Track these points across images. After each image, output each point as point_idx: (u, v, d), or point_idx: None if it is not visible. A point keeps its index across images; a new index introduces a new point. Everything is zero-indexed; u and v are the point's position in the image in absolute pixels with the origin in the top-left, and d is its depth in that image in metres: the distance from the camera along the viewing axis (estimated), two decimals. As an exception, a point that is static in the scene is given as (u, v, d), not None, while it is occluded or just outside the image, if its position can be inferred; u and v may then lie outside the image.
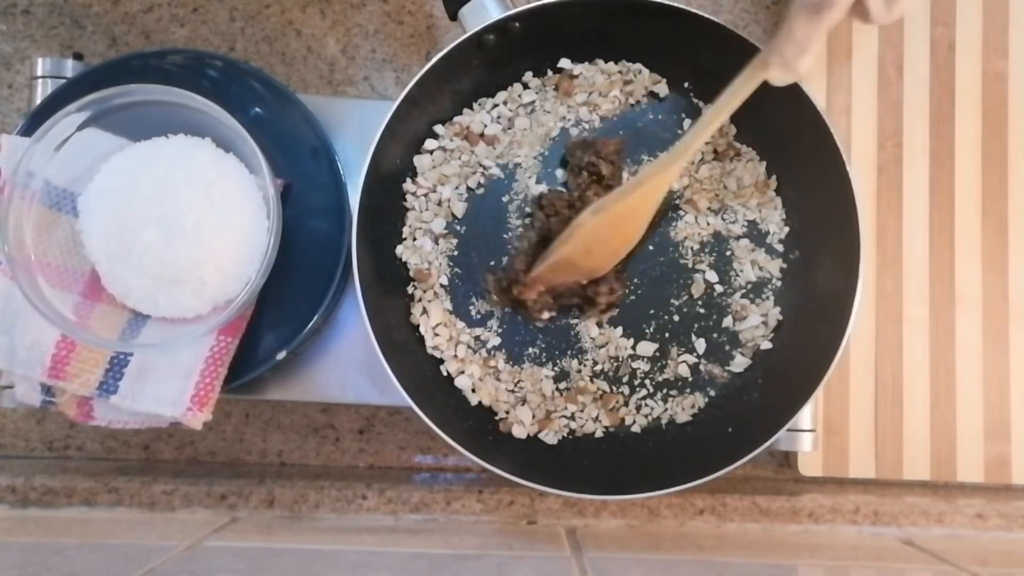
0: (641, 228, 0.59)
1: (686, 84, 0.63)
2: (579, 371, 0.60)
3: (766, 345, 0.61)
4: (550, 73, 0.62)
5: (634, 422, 0.60)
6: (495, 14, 0.57)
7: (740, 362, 0.61)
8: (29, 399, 0.56)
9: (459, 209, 0.61)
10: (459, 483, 0.61)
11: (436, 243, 0.61)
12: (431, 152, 0.61)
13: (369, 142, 0.56)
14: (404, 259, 0.60)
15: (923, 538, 0.59)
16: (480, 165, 0.61)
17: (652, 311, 0.61)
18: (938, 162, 0.66)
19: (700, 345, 0.60)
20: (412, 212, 0.61)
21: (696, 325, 0.61)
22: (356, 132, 0.61)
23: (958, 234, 0.66)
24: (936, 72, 0.67)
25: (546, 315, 0.60)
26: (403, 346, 0.59)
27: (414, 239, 0.61)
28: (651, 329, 0.61)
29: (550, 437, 0.59)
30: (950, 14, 0.67)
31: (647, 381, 0.61)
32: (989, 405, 0.64)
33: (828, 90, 0.66)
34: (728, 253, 0.62)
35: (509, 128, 0.62)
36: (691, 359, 0.60)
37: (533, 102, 0.62)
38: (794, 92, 0.56)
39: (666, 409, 0.60)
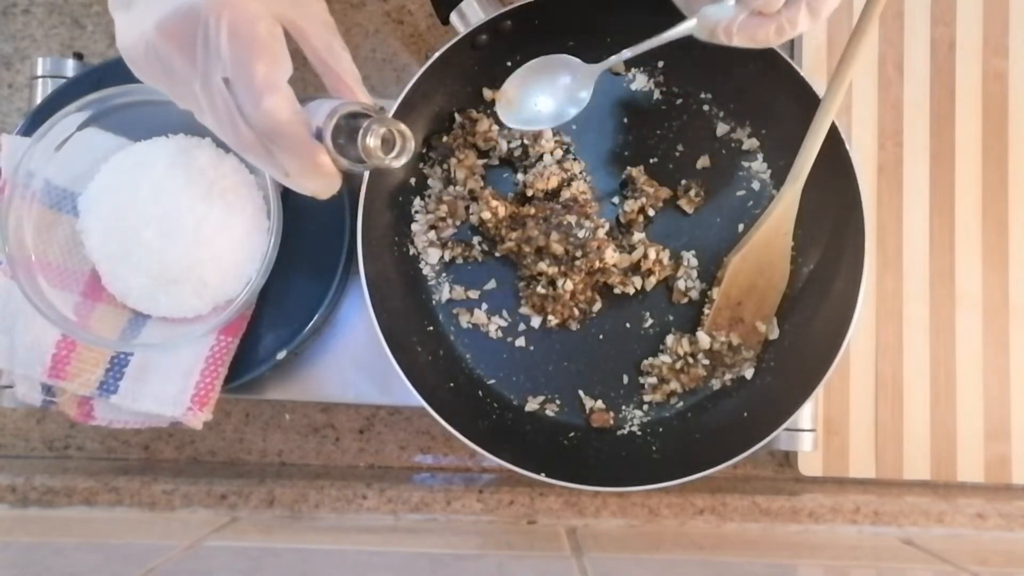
0: (782, 265, 0.60)
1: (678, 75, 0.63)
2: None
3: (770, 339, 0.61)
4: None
5: (635, 418, 0.61)
6: (485, 14, 0.57)
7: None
8: (29, 399, 0.56)
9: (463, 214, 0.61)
10: (459, 483, 0.61)
11: (445, 246, 0.61)
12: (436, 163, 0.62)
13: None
14: (413, 255, 0.60)
15: (923, 538, 0.59)
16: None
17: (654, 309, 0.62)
18: (938, 162, 0.66)
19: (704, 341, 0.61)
20: (419, 214, 0.61)
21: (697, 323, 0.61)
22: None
23: (958, 234, 0.66)
24: (936, 72, 0.67)
25: (574, 326, 0.61)
26: (409, 343, 0.59)
27: (424, 241, 0.61)
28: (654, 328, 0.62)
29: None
30: (950, 14, 0.67)
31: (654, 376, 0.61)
32: (989, 405, 0.64)
33: (828, 90, 0.66)
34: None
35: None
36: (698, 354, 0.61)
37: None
38: (803, 90, 0.57)
39: (671, 405, 0.61)
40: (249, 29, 0.39)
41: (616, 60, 0.52)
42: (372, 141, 0.42)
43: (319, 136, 0.42)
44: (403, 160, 0.44)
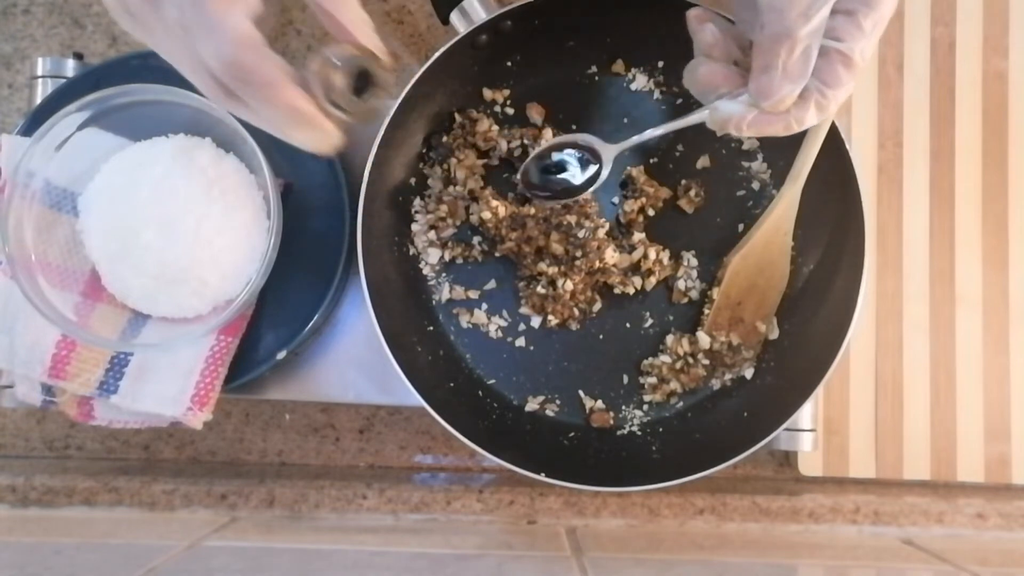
0: (782, 265, 0.60)
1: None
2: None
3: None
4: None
5: (635, 418, 0.61)
6: (485, 14, 0.57)
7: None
8: (30, 399, 0.56)
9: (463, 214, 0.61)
10: (459, 483, 0.61)
11: (445, 246, 0.61)
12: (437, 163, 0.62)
13: (370, 142, 0.56)
14: (413, 254, 0.60)
15: (923, 538, 0.59)
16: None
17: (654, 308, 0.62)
18: (938, 162, 0.66)
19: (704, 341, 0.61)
20: (419, 214, 0.61)
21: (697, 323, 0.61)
22: (357, 131, 0.61)
23: (958, 234, 0.66)
24: (936, 72, 0.67)
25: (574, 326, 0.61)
26: (409, 343, 0.59)
27: (424, 241, 0.61)
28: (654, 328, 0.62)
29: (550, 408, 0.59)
30: (950, 14, 0.67)
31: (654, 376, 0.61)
32: (989, 405, 0.64)
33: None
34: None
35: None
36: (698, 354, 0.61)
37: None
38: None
39: (671, 405, 0.61)
40: None
41: (637, 141, 0.53)
42: (337, 79, 0.39)
43: (304, 85, 0.39)
44: (375, 103, 0.41)
